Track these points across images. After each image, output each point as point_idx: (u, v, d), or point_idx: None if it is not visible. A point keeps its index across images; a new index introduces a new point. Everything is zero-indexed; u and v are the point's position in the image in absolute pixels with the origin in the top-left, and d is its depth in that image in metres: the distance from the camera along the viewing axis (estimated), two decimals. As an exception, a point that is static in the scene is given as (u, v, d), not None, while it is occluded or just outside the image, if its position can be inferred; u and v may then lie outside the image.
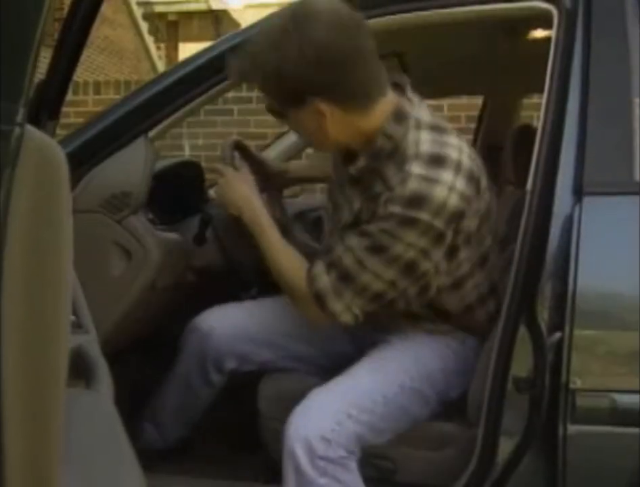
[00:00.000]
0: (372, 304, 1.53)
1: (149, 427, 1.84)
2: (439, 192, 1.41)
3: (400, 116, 1.48)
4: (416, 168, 1.42)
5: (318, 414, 1.50)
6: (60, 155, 0.59)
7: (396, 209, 1.42)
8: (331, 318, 1.53)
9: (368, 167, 1.51)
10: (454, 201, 1.42)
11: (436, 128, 1.49)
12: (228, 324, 1.77)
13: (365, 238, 1.47)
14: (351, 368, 1.60)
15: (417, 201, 1.41)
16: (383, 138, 1.48)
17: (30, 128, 0.57)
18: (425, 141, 1.46)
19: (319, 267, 1.53)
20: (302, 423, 1.49)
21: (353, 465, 1.51)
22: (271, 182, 1.95)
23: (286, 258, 1.61)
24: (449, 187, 1.41)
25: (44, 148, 0.58)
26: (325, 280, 1.52)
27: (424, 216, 1.41)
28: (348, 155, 1.56)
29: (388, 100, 1.49)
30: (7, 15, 0.55)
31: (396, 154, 1.47)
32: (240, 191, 1.67)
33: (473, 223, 1.50)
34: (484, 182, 1.52)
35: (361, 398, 1.55)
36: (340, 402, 1.52)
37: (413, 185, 1.41)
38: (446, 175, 1.42)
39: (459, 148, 1.47)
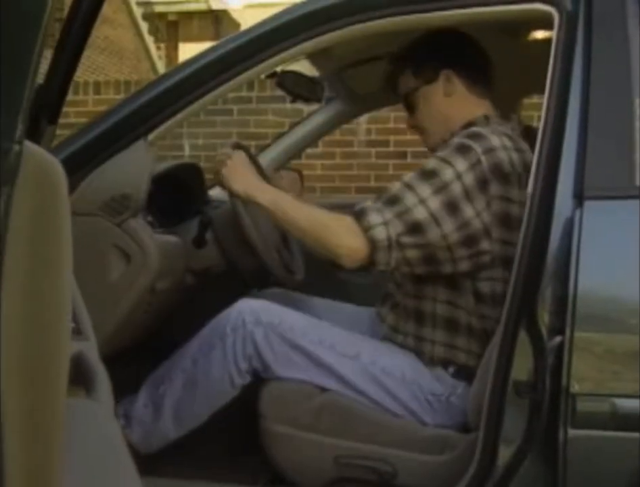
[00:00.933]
0: (408, 236, 1.55)
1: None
2: (495, 140, 1.60)
3: (485, 119, 1.73)
4: (485, 128, 1.66)
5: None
6: (59, 172, 0.59)
7: (456, 139, 1.62)
8: (365, 233, 1.55)
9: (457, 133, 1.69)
10: (503, 155, 1.59)
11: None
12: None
13: (419, 169, 1.59)
14: None
15: (475, 135, 1.61)
16: (481, 118, 1.72)
17: (29, 145, 0.57)
18: (503, 126, 1.71)
19: (367, 203, 1.60)
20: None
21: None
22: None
23: (309, 208, 1.67)
24: (503, 146, 1.60)
25: (43, 165, 0.58)
26: (370, 203, 1.59)
27: (477, 147, 1.57)
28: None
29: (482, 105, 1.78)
30: (6, 33, 0.54)
31: None
32: (247, 171, 1.74)
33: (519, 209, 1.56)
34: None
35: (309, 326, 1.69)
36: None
37: (477, 129, 1.65)
38: (507, 141, 1.62)
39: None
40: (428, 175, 1.57)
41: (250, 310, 1.70)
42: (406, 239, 1.55)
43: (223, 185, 1.73)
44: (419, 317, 1.70)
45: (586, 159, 1.43)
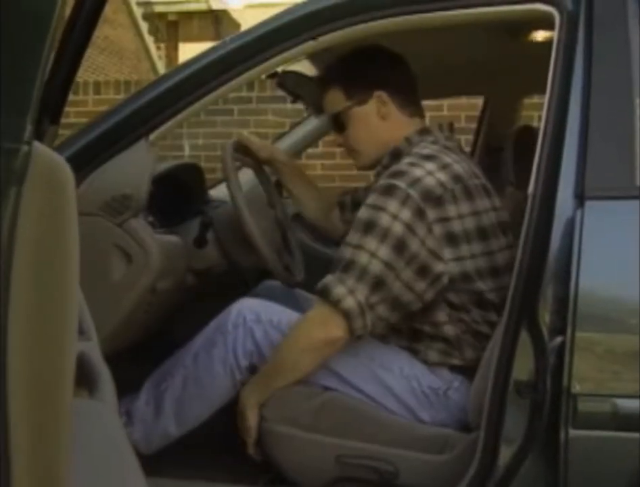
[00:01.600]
0: (374, 294, 1.55)
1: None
2: (416, 171, 1.60)
3: (424, 132, 1.76)
4: (406, 159, 1.66)
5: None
6: (67, 172, 0.59)
7: (380, 182, 1.63)
8: (335, 308, 1.55)
9: (388, 163, 1.72)
10: (430, 181, 1.59)
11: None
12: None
13: (356, 224, 1.60)
14: None
15: (396, 173, 1.61)
16: (403, 142, 1.74)
17: (37, 145, 0.57)
18: (426, 148, 1.70)
19: (324, 279, 1.60)
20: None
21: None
22: (279, 172, 2.11)
23: (284, 344, 1.66)
24: (427, 172, 1.60)
25: (51, 165, 0.58)
26: (328, 278, 1.59)
27: (402, 183, 1.58)
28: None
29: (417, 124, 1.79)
30: (15, 32, 0.54)
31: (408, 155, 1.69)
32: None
33: (462, 224, 1.60)
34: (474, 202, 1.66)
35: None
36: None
37: (396, 167, 1.64)
38: (430, 165, 1.62)
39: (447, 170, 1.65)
40: (368, 227, 1.57)
41: (251, 308, 1.72)
42: (374, 298, 1.56)
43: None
44: (409, 333, 1.70)
45: (587, 159, 1.44)
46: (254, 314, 1.70)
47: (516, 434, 1.44)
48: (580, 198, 1.42)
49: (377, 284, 1.56)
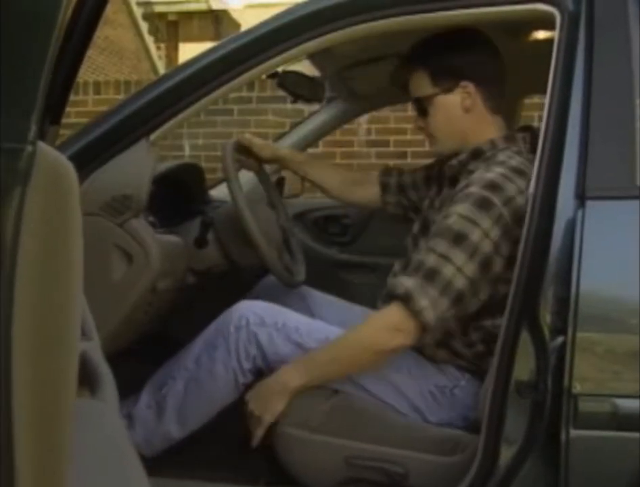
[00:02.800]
0: (452, 308, 1.55)
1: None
2: (510, 188, 1.57)
3: (510, 139, 1.73)
4: (498, 168, 1.61)
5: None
6: (72, 173, 0.59)
7: (473, 189, 1.58)
8: (415, 317, 1.54)
9: (466, 161, 1.71)
10: (521, 200, 1.55)
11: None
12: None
13: (443, 231, 1.57)
14: None
15: (493, 186, 1.57)
16: (488, 144, 1.71)
17: (42, 146, 0.57)
18: (514, 159, 1.65)
19: (401, 278, 1.58)
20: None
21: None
22: (288, 168, 2.11)
23: (347, 338, 1.64)
24: (519, 190, 1.57)
25: (56, 166, 0.58)
26: (410, 282, 1.55)
27: (497, 200, 1.55)
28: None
29: (496, 122, 1.77)
30: (19, 31, 0.54)
31: (489, 160, 1.67)
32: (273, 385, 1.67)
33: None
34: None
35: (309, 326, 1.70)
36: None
37: (491, 175, 1.59)
38: (520, 182, 1.58)
39: None
40: (458, 240, 1.54)
41: (254, 311, 1.70)
42: (450, 312, 1.57)
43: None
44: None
45: (587, 159, 1.44)
46: (257, 318, 1.68)
47: (517, 434, 1.44)
48: (581, 198, 1.42)
49: (458, 299, 1.55)
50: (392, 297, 1.58)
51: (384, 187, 2.10)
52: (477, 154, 1.71)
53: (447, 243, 1.55)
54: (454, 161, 1.75)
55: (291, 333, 1.67)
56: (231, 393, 1.70)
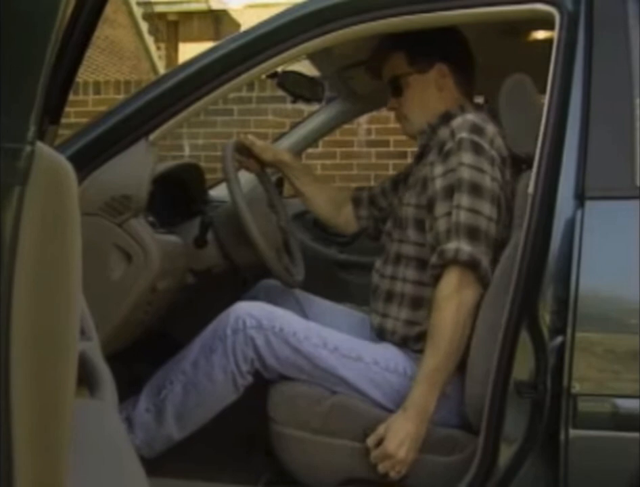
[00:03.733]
0: (490, 255, 1.61)
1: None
2: (490, 129, 1.65)
3: (477, 107, 1.83)
4: (471, 115, 1.68)
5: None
6: (70, 173, 0.59)
7: (463, 134, 1.63)
8: (481, 273, 1.58)
9: (435, 126, 1.79)
10: (499, 141, 1.65)
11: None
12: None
13: (460, 184, 1.61)
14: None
15: (477, 128, 1.63)
16: (454, 107, 1.79)
17: (40, 146, 0.57)
18: (482, 114, 1.72)
19: (450, 244, 1.59)
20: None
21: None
22: (285, 173, 2.11)
23: (444, 327, 1.60)
24: (496, 131, 1.66)
25: (55, 166, 0.58)
26: (466, 246, 1.58)
27: (484, 143, 1.62)
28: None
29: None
30: (18, 30, 0.54)
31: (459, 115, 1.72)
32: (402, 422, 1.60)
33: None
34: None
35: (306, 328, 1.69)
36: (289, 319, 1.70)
37: (470, 117, 1.66)
38: (492, 126, 1.66)
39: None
40: (476, 190, 1.61)
41: (250, 313, 1.69)
42: (488, 257, 1.61)
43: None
44: (414, 302, 1.73)
45: (587, 159, 1.44)
46: (254, 321, 1.67)
47: (516, 434, 1.44)
48: (580, 198, 1.42)
49: (496, 247, 1.61)
50: (449, 262, 1.59)
51: (356, 202, 2.15)
52: (447, 117, 1.77)
53: (468, 196, 1.60)
54: (424, 126, 1.82)
55: (289, 337, 1.66)
56: (230, 394, 1.70)
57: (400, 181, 2.05)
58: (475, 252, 1.58)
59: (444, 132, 1.71)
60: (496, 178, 1.62)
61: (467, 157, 1.62)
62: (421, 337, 1.68)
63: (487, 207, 1.60)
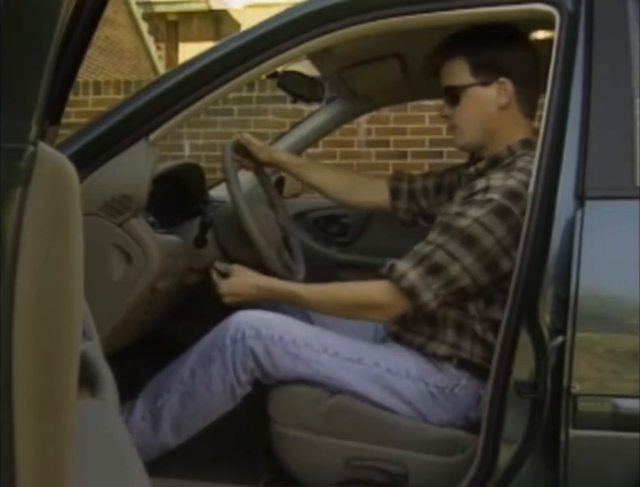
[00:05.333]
0: (452, 297, 1.61)
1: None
2: (526, 194, 1.54)
3: (527, 144, 1.69)
4: (519, 175, 1.61)
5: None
6: (72, 173, 0.59)
7: (495, 196, 1.58)
8: (419, 309, 1.62)
9: (484, 169, 1.71)
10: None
11: None
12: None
13: (457, 233, 1.59)
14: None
15: (513, 195, 1.57)
16: (506, 151, 1.70)
17: (42, 146, 0.57)
18: (532, 165, 1.57)
19: (403, 266, 1.61)
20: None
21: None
22: (285, 171, 2.12)
23: (332, 288, 1.74)
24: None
25: (57, 166, 0.58)
26: (413, 275, 1.60)
27: (516, 210, 1.56)
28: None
29: (528, 126, 1.73)
30: (20, 31, 0.54)
31: (508, 166, 1.66)
32: (250, 279, 1.79)
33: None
34: None
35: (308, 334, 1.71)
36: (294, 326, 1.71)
37: (512, 183, 1.59)
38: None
39: None
40: (470, 243, 1.57)
41: (249, 322, 1.68)
42: (449, 299, 1.62)
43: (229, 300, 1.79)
44: (431, 319, 1.71)
45: (587, 159, 1.44)
46: (253, 330, 1.66)
47: (516, 434, 1.44)
48: (580, 198, 1.42)
49: (459, 291, 1.61)
50: (390, 280, 1.61)
51: (394, 193, 2.07)
52: (495, 162, 1.70)
53: (457, 244, 1.57)
54: (471, 170, 1.74)
55: (288, 345, 1.66)
56: (227, 403, 1.70)
57: (443, 188, 1.99)
58: (420, 284, 1.58)
59: (480, 182, 1.65)
60: (502, 243, 1.56)
61: (486, 216, 1.57)
62: (441, 341, 1.69)
63: (469, 260, 1.57)
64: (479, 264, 1.57)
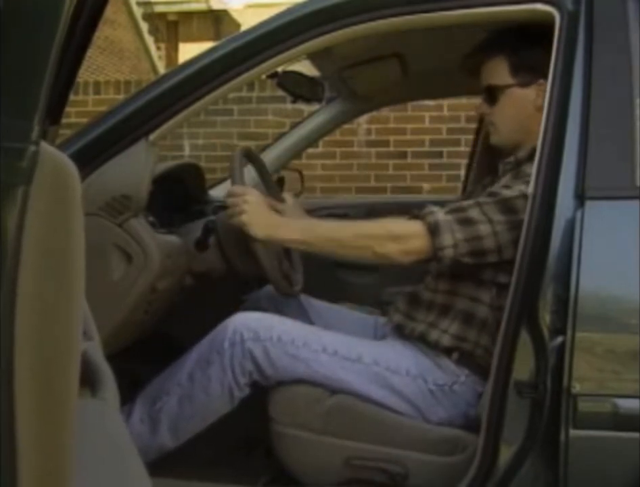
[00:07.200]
0: (471, 257, 1.60)
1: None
2: None
3: None
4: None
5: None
6: (74, 173, 0.59)
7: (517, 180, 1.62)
8: (434, 252, 1.59)
9: (521, 161, 1.70)
10: None
11: None
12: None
13: (500, 200, 1.59)
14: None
15: None
16: None
17: (44, 145, 0.57)
18: None
19: (435, 208, 1.62)
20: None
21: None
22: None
23: (350, 225, 1.75)
24: None
25: (58, 166, 0.58)
26: (442, 216, 1.60)
27: None
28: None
29: None
30: (22, 31, 0.54)
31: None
32: (267, 213, 1.75)
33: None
34: None
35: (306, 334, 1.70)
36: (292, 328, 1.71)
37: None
38: None
39: None
40: (509, 211, 1.58)
41: (247, 325, 1.68)
42: (467, 259, 1.60)
43: (244, 230, 1.73)
44: (437, 307, 1.71)
45: (587, 159, 1.44)
46: (252, 332, 1.66)
47: (516, 434, 1.44)
48: (580, 198, 1.43)
49: (480, 253, 1.59)
50: (418, 217, 1.61)
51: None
52: (533, 155, 1.68)
53: (497, 208, 1.59)
54: (511, 158, 1.75)
55: (287, 346, 1.66)
56: (225, 406, 1.69)
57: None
58: (445, 226, 1.57)
59: (528, 167, 1.64)
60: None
61: (509, 190, 1.61)
62: (464, 352, 1.67)
63: (503, 227, 1.58)
64: (509, 234, 1.57)
